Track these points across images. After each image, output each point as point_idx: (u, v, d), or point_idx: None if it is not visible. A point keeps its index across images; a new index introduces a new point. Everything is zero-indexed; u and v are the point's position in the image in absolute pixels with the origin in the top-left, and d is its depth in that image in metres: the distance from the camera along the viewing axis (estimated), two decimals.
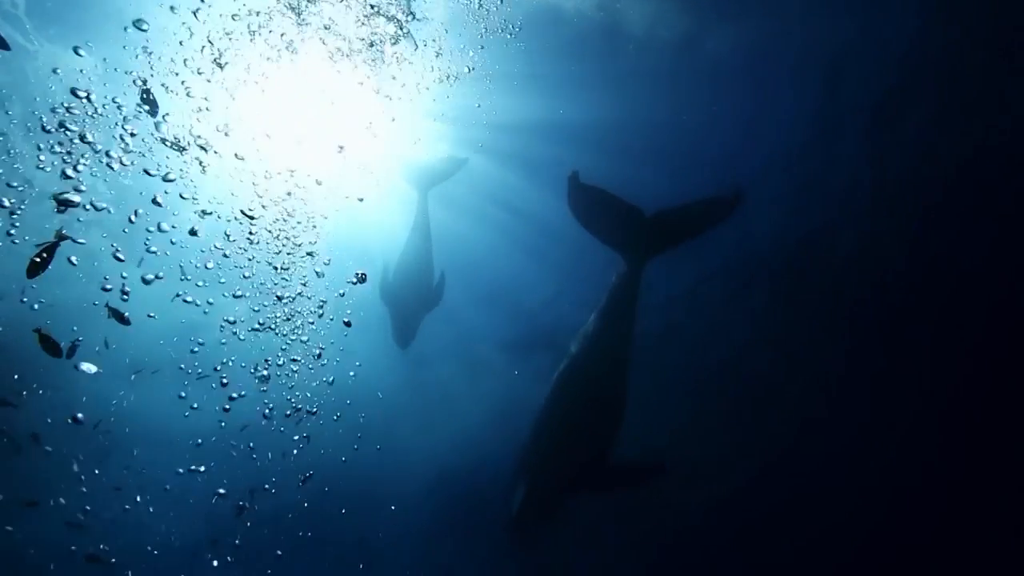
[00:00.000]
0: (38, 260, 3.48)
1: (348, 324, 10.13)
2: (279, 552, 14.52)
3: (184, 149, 6.40)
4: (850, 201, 9.12)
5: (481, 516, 12.06)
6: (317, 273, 9.71)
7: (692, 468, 10.79)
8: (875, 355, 9.95)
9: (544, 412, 7.29)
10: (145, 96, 4.53)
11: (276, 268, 9.52)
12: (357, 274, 8.62)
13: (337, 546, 15.19)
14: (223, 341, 13.12)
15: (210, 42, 6.37)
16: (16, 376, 12.89)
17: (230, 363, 14.68)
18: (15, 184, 10.71)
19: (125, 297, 9.51)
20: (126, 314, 5.81)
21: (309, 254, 9.19)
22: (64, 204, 4.25)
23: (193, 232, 7.13)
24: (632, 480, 7.82)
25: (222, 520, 15.37)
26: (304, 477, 8.92)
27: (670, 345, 11.26)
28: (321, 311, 10.56)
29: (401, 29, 7.02)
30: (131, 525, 15.02)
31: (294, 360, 12.22)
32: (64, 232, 3.65)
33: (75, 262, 11.77)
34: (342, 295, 11.12)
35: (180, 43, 6.55)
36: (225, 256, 9.65)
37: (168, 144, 6.76)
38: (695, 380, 11.43)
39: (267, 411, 12.10)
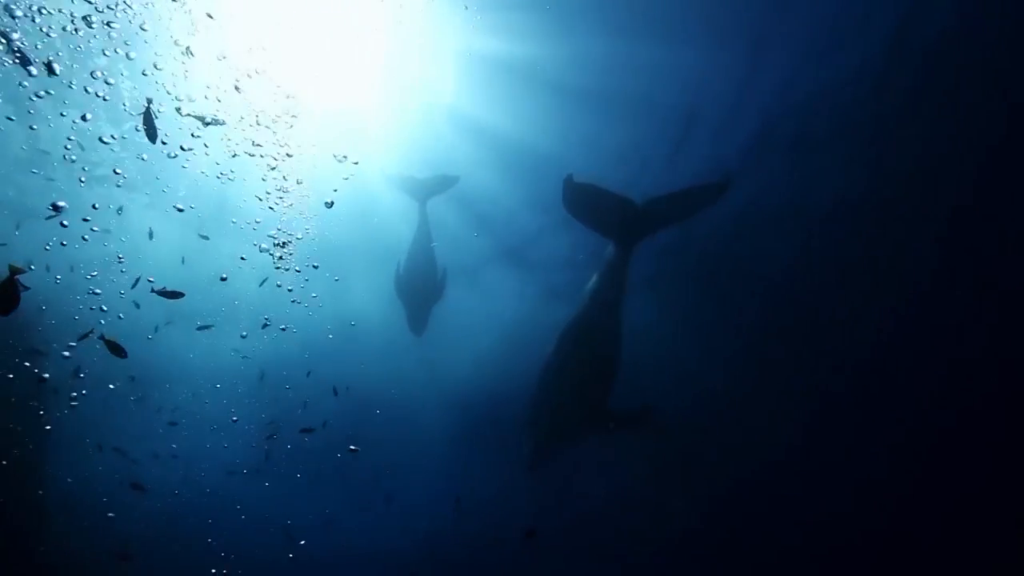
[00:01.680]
0: (5, 296, 3.27)
1: (330, 205, 10.24)
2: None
3: (219, 122, 6.53)
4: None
5: (498, 432, 13.35)
6: None
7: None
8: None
9: (547, 372, 8.28)
10: (147, 121, 4.76)
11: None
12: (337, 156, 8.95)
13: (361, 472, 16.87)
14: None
15: None
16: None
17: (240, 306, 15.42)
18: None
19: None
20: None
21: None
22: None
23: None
24: (627, 426, 8.80)
25: (255, 451, 16.98)
26: (307, 430, 9.52)
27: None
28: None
29: None
30: (167, 456, 16.54)
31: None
32: (19, 266, 3.31)
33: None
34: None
35: None
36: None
37: (196, 119, 6.86)
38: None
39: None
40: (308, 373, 13.52)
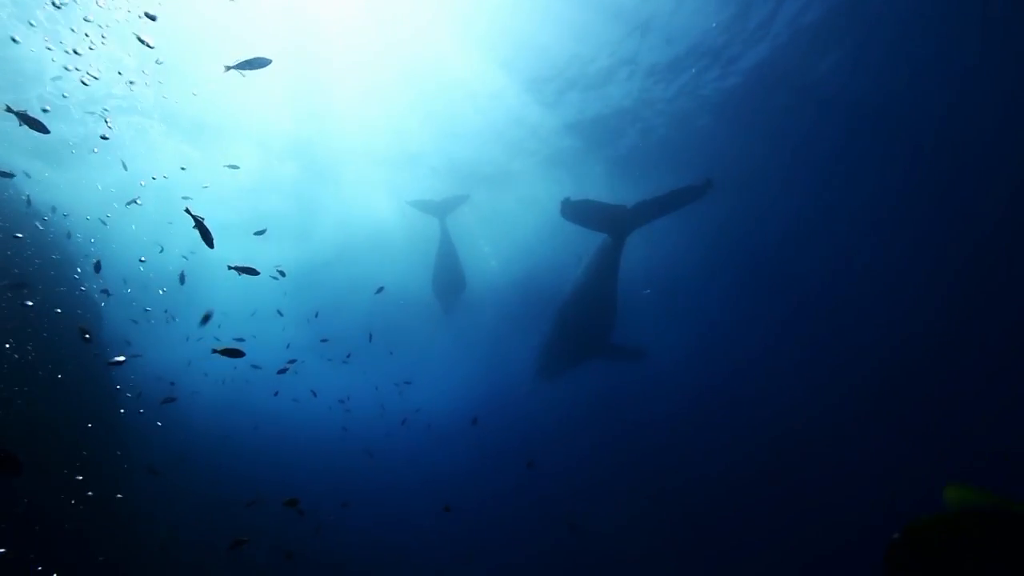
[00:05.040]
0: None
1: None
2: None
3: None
4: None
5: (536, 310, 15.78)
6: None
7: None
8: None
9: (560, 315, 10.70)
10: (201, 229, 4.93)
11: None
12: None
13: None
14: None
15: None
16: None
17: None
18: None
19: None
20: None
21: None
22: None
23: None
24: (620, 357, 11.63)
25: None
26: (287, 363, 10.48)
27: None
28: None
29: None
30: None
31: None
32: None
33: None
34: None
35: None
36: None
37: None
38: None
39: None
40: (316, 315, 15.52)
